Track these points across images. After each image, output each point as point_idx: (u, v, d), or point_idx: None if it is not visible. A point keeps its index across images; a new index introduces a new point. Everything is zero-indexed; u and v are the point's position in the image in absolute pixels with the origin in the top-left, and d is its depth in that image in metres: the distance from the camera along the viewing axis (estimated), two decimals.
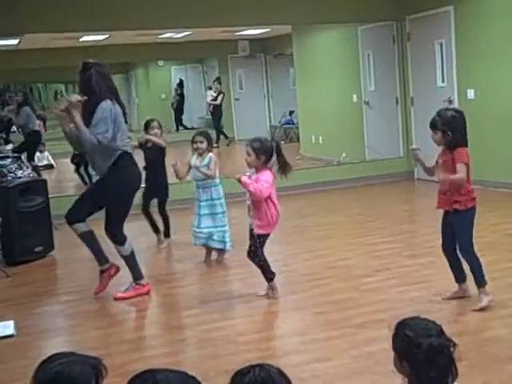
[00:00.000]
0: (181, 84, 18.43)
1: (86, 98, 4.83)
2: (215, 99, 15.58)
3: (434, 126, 4.35)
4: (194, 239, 5.94)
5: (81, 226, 5.10)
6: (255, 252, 4.82)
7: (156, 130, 6.60)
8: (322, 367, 3.67)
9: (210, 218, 5.85)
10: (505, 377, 3.43)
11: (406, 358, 2.18)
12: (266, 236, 4.82)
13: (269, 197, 4.70)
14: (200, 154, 5.86)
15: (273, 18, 9.38)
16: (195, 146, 5.86)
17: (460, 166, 4.28)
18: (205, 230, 5.83)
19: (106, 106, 4.84)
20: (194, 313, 4.75)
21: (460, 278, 4.59)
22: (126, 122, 5.19)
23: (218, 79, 16.24)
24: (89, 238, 5.15)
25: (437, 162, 4.46)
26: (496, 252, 5.69)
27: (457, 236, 4.47)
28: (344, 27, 10.83)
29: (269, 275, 4.90)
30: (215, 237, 5.87)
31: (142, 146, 6.67)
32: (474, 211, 4.44)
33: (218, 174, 5.91)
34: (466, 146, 4.35)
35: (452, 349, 2.18)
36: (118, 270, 5.28)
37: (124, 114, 5.05)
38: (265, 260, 4.86)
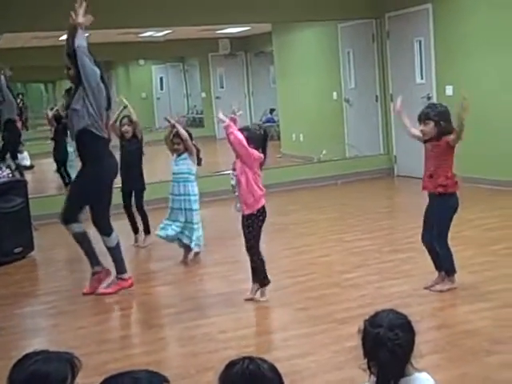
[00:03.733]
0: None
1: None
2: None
3: (426, 116, 4.44)
4: (162, 231, 5.93)
5: (75, 226, 5.13)
6: (254, 247, 4.73)
7: (126, 127, 6.56)
8: (303, 362, 3.70)
9: (182, 213, 5.88)
10: (481, 369, 3.47)
11: (362, 348, 2.20)
12: (256, 216, 4.66)
13: (253, 175, 4.60)
14: (179, 155, 5.95)
15: (253, 16, 9.40)
16: (174, 148, 5.96)
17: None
18: (176, 223, 5.86)
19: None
20: (174, 311, 4.76)
21: (440, 265, 4.69)
22: (109, 108, 5.17)
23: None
24: (82, 240, 5.18)
25: (426, 157, 4.59)
26: (475, 246, 5.76)
27: (435, 223, 4.57)
28: (324, 25, 10.87)
29: (264, 277, 4.80)
30: (186, 232, 5.89)
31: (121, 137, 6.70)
32: (457, 201, 4.57)
33: (194, 171, 5.96)
34: None
35: (400, 346, 2.13)
36: (108, 273, 5.29)
37: (108, 98, 5.04)
38: (261, 258, 4.78)
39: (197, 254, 6.01)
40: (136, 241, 6.75)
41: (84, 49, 4.83)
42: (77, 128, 4.98)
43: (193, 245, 5.90)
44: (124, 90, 18.91)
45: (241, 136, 4.50)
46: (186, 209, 5.87)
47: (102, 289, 5.21)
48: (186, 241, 5.92)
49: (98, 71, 4.92)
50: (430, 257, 4.73)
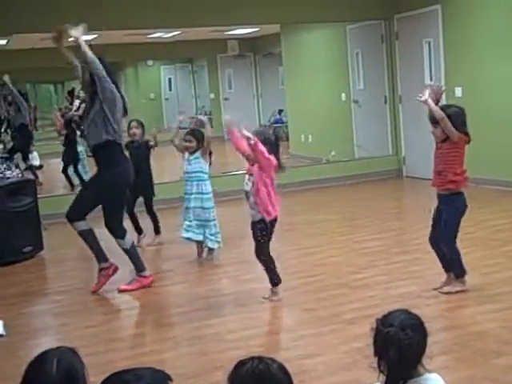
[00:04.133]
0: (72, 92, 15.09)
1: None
2: (78, 109, 15.01)
3: (436, 119, 4.39)
4: (185, 232, 5.94)
5: (81, 224, 5.16)
6: (263, 252, 4.73)
7: (134, 130, 6.61)
8: (311, 363, 3.69)
9: (199, 211, 5.89)
10: (489, 371, 3.46)
11: (373, 346, 2.20)
12: (270, 222, 4.68)
13: (271, 181, 4.62)
14: (191, 153, 5.95)
15: (261, 17, 9.40)
16: (185, 145, 5.97)
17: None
18: (197, 223, 5.87)
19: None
20: (183, 310, 4.77)
21: (448, 267, 4.67)
22: (126, 115, 5.21)
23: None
24: (88, 237, 5.21)
25: (435, 154, 4.59)
26: (486, 247, 5.75)
27: (443, 224, 4.55)
28: (332, 26, 10.86)
29: (274, 278, 4.82)
30: (205, 231, 5.90)
31: (127, 145, 6.70)
32: (465, 201, 4.54)
33: (208, 170, 5.99)
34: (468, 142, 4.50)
35: (410, 345, 2.12)
36: (116, 269, 5.32)
37: (124, 105, 5.09)
38: (272, 259, 4.81)
39: (211, 250, 6.02)
40: (138, 241, 6.70)
41: (98, 65, 4.87)
42: (98, 141, 5.03)
43: (217, 241, 5.95)
44: (133, 91, 19.01)
45: (263, 148, 4.50)
46: (201, 207, 5.89)
47: (123, 285, 5.27)
48: (208, 242, 5.94)
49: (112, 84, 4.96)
50: (438, 258, 4.72)
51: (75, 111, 14.72)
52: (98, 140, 5.01)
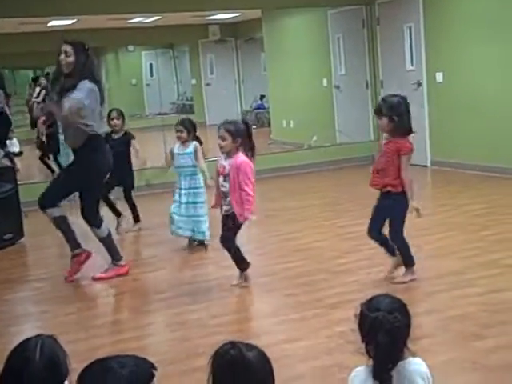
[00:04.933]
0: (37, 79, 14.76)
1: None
2: (38, 95, 14.91)
3: (379, 111, 4.41)
4: (174, 228, 5.88)
5: (54, 210, 5.09)
6: (231, 239, 4.75)
7: (115, 121, 6.59)
8: (293, 347, 3.70)
9: (191, 207, 5.85)
10: (469, 353, 3.49)
11: (360, 332, 2.19)
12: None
13: (252, 186, 4.65)
14: (183, 142, 5.88)
15: (242, 2, 9.36)
16: (176, 135, 5.92)
17: (404, 158, 4.39)
18: (186, 219, 5.83)
19: (89, 84, 4.86)
20: (164, 296, 4.76)
21: (393, 251, 4.67)
22: (103, 103, 5.15)
23: (47, 74, 15.66)
24: (61, 224, 5.15)
25: (382, 152, 4.57)
26: (465, 232, 5.78)
27: (389, 219, 4.56)
28: (314, 11, 10.83)
29: (243, 265, 4.84)
30: (195, 228, 5.87)
31: (106, 138, 6.65)
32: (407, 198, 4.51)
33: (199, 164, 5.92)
34: (411, 131, 4.44)
35: (398, 328, 2.13)
36: (88, 256, 5.27)
37: (101, 97, 5.03)
38: (238, 249, 4.82)
39: (201, 243, 5.98)
40: (119, 224, 6.69)
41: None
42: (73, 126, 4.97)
43: (207, 236, 5.89)
44: (114, 77, 18.83)
45: (251, 192, 4.57)
46: (193, 202, 5.83)
47: (98, 274, 5.22)
48: (198, 237, 5.90)
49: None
50: (383, 247, 4.70)
51: (35, 98, 14.55)
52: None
